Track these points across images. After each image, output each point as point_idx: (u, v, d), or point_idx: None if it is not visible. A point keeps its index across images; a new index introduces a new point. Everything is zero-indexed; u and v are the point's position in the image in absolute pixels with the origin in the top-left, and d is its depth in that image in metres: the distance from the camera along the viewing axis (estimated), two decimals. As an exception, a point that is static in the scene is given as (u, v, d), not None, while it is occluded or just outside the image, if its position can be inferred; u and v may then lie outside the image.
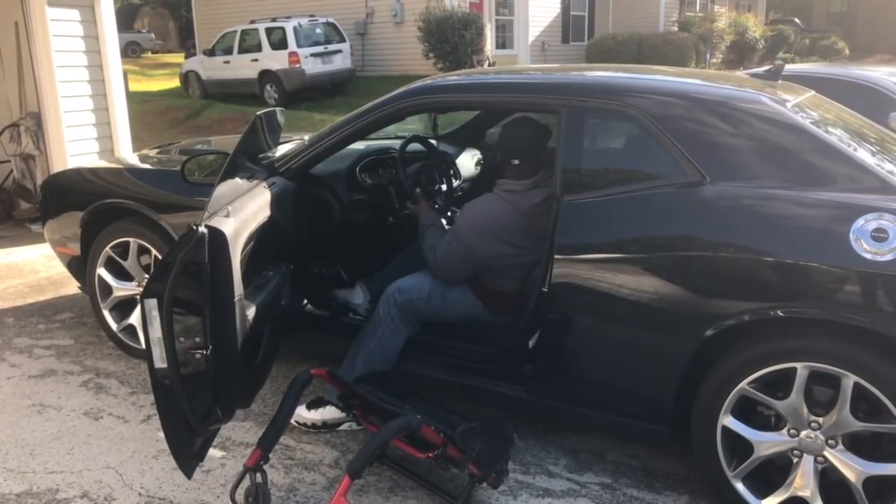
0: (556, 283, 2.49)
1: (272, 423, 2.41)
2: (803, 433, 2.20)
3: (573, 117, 2.54)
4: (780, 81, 2.97)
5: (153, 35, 28.17)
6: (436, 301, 2.85)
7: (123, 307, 3.60)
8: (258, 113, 2.91)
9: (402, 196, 3.34)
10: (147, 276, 3.45)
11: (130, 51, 24.67)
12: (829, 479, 2.21)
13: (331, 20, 15.42)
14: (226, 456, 2.78)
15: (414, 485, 2.57)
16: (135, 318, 3.52)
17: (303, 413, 2.91)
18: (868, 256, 2.04)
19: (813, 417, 2.18)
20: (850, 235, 2.07)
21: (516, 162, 2.77)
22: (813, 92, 2.95)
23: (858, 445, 2.17)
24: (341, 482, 2.15)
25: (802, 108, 2.52)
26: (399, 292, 2.85)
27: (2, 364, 3.61)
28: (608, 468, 2.71)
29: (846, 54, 21.26)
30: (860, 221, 2.08)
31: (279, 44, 14.56)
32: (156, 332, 2.05)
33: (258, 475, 2.37)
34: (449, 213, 3.66)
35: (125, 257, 3.49)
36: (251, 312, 2.40)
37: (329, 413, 2.88)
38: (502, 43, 17.44)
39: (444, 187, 3.63)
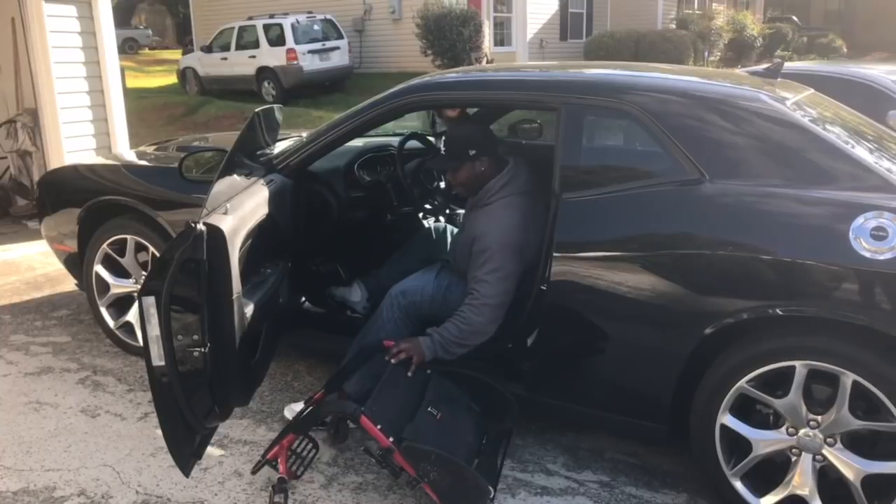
0: (555, 281, 2.48)
1: (338, 372, 2.61)
2: (802, 431, 2.20)
3: (572, 115, 2.53)
4: (779, 79, 2.96)
5: (150, 31, 28.12)
6: (438, 303, 2.84)
7: (121, 304, 3.59)
8: (256, 110, 2.90)
9: (400, 194, 3.33)
10: (144, 273, 3.45)
11: (128, 47, 24.62)
12: (827, 478, 2.21)
13: (329, 17, 15.41)
14: (224, 454, 2.77)
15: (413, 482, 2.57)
16: (132, 316, 3.51)
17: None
18: (867, 255, 2.04)
19: (812, 416, 2.18)
20: (850, 234, 2.07)
21: (485, 158, 2.75)
22: (812, 90, 2.94)
23: (857, 444, 2.16)
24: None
25: (801, 106, 2.52)
26: (403, 295, 2.84)
27: (-2, 361, 3.60)
28: (606, 466, 2.71)
29: (844, 52, 21.27)
30: (860, 220, 2.07)
31: (277, 40, 14.54)
32: (153, 329, 2.04)
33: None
34: (447, 211, 3.66)
35: (122, 254, 3.48)
36: (249, 310, 2.40)
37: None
38: (500, 40, 17.41)
39: (442, 185, 3.63)
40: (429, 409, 2.40)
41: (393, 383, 2.43)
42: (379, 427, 2.22)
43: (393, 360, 2.51)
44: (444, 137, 2.86)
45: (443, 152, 2.82)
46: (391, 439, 2.22)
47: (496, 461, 2.55)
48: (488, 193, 2.75)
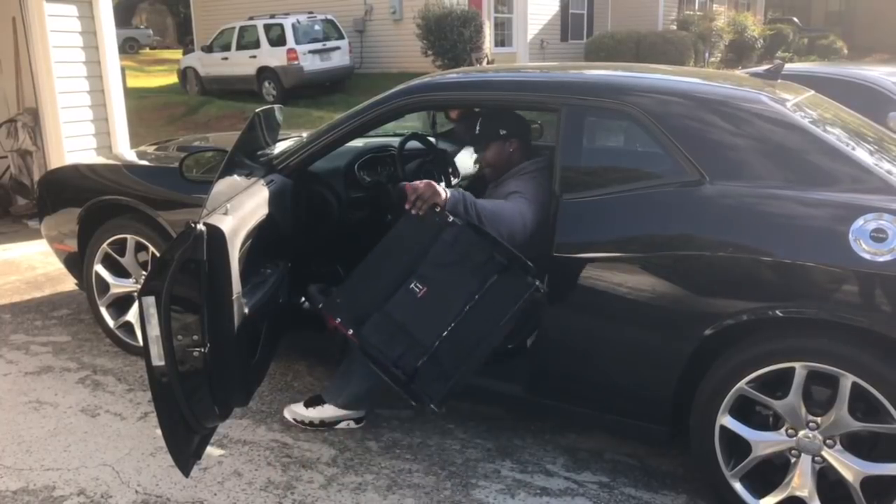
0: (555, 282, 2.48)
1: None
2: (801, 433, 2.20)
3: (572, 116, 2.53)
4: (779, 81, 2.97)
5: (151, 31, 28.13)
6: None
7: (121, 304, 3.59)
8: (256, 110, 2.91)
9: (400, 195, 3.33)
10: (144, 273, 3.45)
11: (128, 47, 24.62)
12: (827, 479, 2.21)
13: (329, 17, 15.42)
14: (223, 454, 2.77)
15: (412, 483, 2.57)
16: (132, 315, 3.51)
17: (300, 411, 2.91)
18: (867, 257, 2.04)
19: (811, 417, 2.18)
20: (850, 235, 2.07)
21: (515, 140, 2.83)
22: (812, 91, 2.95)
23: (856, 445, 2.17)
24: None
25: (802, 108, 2.52)
26: None
27: (-2, 361, 3.60)
28: (606, 467, 2.71)
29: (844, 54, 21.27)
30: (860, 221, 2.07)
31: (277, 40, 14.56)
32: (153, 329, 2.04)
33: None
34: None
35: (123, 254, 3.48)
36: (249, 310, 2.40)
37: (327, 412, 2.88)
38: (501, 41, 17.42)
39: (442, 185, 3.62)
40: (412, 285, 2.37)
41: (373, 273, 2.45)
42: (339, 321, 2.36)
43: (411, 208, 2.46)
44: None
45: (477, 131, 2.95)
46: (351, 332, 2.35)
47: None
48: (520, 171, 2.80)
